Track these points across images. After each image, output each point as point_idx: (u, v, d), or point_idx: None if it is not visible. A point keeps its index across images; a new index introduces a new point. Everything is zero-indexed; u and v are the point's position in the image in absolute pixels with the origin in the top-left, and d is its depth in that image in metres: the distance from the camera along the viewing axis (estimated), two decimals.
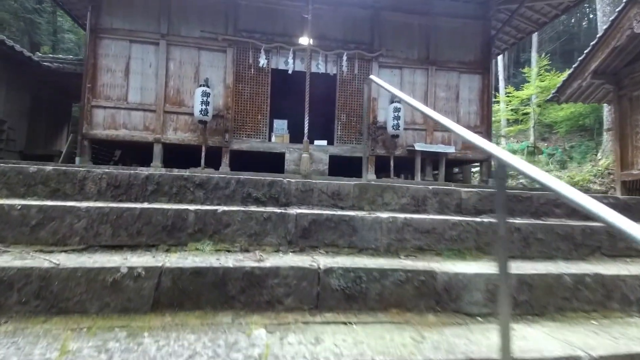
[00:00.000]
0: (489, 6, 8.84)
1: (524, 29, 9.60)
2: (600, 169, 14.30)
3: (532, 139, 21.05)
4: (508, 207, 2.51)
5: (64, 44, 19.65)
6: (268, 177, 2.34)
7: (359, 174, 9.31)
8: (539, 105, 20.27)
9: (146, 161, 8.06)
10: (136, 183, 2.15)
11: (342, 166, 8.96)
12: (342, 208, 2.35)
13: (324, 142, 8.57)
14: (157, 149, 7.72)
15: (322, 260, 1.69)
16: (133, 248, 1.72)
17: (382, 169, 10.60)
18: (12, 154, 8.60)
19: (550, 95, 11.16)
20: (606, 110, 15.23)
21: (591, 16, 32.32)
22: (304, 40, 8.24)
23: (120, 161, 9.90)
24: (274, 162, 9.11)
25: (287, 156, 7.80)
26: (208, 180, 2.24)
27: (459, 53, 8.95)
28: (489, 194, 2.50)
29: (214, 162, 8.10)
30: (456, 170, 10.80)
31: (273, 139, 8.40)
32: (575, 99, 10.81)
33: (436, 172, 8.93)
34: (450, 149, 8.31)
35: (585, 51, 8.55)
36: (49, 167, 2.09)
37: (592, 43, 8.26)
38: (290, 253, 1.81)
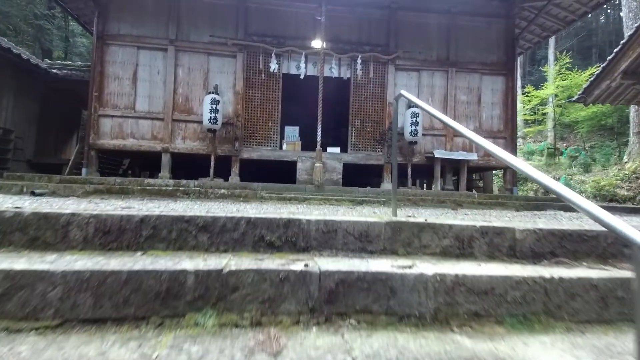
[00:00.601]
0: (513, 3, 8.32)
1: (549, 27, 9.03)
2: (627, 172, 13.54)
3: (549, 139, 20.25)
4: (566, 248, 2.10)
5: (76, 48, 19.74)
6: (283, 215, 1.98)
7: (374, 183, 8.99)
8: (559, 105, 19.46)
9: (155, 169, 7.81)
10: (129, 228, 1.80)
11: (356, 174, 8.57)
12: (371, 253, 1.97)
13: (337, 149, 8.19)
14: (166, 159, 7.46)
15: (356, 340, 1.32)
16: (118, 323, 1.37)
17: (398, 175, 10.19)
18: (19, 164, 8.47)
19: (577, 96, 10.52)
20: (633, 111, 14.45)
21: (609, 11, 31.07)
22: (317, 44, 7.88)
23: (129, 169, 9.71)
24: (285, 171, 8.77)
25: (299, 165, 7.45)
26: (213, 222, 1.88)
27: (480, 53, 8.45)
28: (548, 233, 2.08)
29: (223, 171, 7.81)
30: (475, 175, 10.29)
31: (284, 146, 8.06)
32: (603, 100, 10.16)
33: (455, 177, 8.46)
34: (472, 156, 7.83)
35: (615, 50, 7.99)
36: (27, 211, 1.77)
37: (622, 42, 7.69)
38: (314, 327, 1.44)
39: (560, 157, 19.13)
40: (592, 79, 9.46)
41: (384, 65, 8.18)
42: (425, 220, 2.11)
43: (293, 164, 7.75)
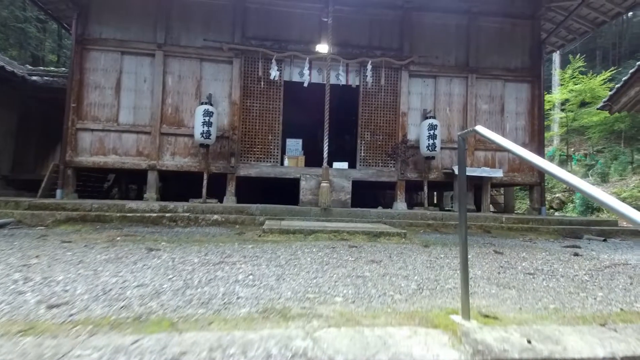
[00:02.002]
0: (539, 3, 7.50)
1: (576, 30, 8.21)
2: None
3: (555, 143, 19.45)
4: None
5: (69, 49, 18.97)
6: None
7: (386, 205, 8.13)
8: (570, 110, 18.71)
9: (145, 183, 6.95)
10: None
11: (365, 189, 7.72)
12: None
13: (345, 165, 7.35)
14: (152, 177, 6.62)
15: None
16: None
17: (412, 191, 9.37)
18: None
19: (602, 104, 9.71)
20: None
21: None
22: (323, 48, 7.06)
23: (116, 185, 8.87)
24: (287, 189, 7.93)
25: (302, 184, 6.60)
26: None
27: (503, 58, 7.63)
28: None
29: (218, 190, 6.98)
30: (494, 190, 9.44)
31: (286, 161, 7.23)
32: (631, 107, 9.33)
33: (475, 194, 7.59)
34: (497, 173, 6.98)
35: None
36: None
37: None
38: None
39: (571, 163, 18.34)
40: (619, 85, 8.67)
41: (397, 72, 7.36)
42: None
43: (296, 181, 6.92)
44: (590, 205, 12.31)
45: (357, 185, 7.04)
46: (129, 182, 8.86)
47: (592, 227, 6.17)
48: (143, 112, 6.73)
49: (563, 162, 18.27)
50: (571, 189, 14.12)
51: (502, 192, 9.38)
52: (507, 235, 5.64)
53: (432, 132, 6.81)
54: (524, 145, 7.57)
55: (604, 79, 16.42)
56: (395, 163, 7.27)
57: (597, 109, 9.90)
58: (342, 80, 7.24)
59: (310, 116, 8.83)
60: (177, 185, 8.75)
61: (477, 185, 7.32)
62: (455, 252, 3.70)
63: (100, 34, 6.80)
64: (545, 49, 9.02)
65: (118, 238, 3.96)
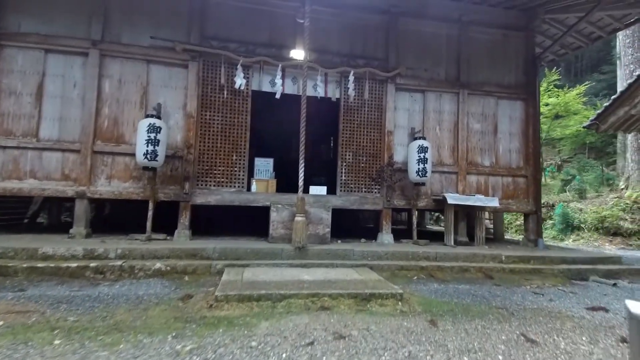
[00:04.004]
0: (534, 13, 6.89)
1: (569, 45, 7.72)
2: (628, 202, 12.63)
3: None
4: None
5: None
6: None
7: (369, 233, 7.15)
8: (543, 124, 18.81)
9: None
10: None
11: (346, 218, 6.72)
12: None
13: (323, 190, 6.33)
14: (81, 208, 5.26)
15: None
16: None
17: (397, 222, 8.50)
18: None
19: (589, 122, 9.31)
20: (631, 136, 13.69)
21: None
22: (298, 54, 6.04)
23: (44, 211, 7.32)
24: (255, 218, 6.82)
25: (273, 215, 5.49)
26: None
27: (496, 73, 6.95)
28: None
29: (168, 220, 5.74)
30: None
31: (253, 186, 6.10)
32: (618, 127, 8.97)
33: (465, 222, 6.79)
34: (493, 202, 6.21)
35: (638, 74, 6.84)
36: None
37: None
38: None
39: (544, 175, 18.38)
40: (607, 104, 8.26)
41: (382, 84, 6.46)
42: None
43: (265, 209, 5.81)
44: (570, 224, 12.07)
45: (337, 213, 6.01)
46: (61, 206, 7.34)
47: (597, 265, 5.53)
48: (71, 124, 5.38)
49: None
50: (551, 206, 13.93)
51: (490, 216, 8.72)
52: (511, 281, 4.84)
53: (422, 155, 5.94)
54: (518, 168, 6.90)
55: (578, 93, 16.54)
56: (381, 188, 6.34)
57: (584, 127, 9.54)
58: (320, 92, 6.24)
59: (283, 132, 7.76)
60: (118, 213, 7.36)
61: (469, 213, 6.54)
62: (476, 332, 2.76)
63: (19, 27, 5.39)
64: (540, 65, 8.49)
65: (0, 322, 2.69)
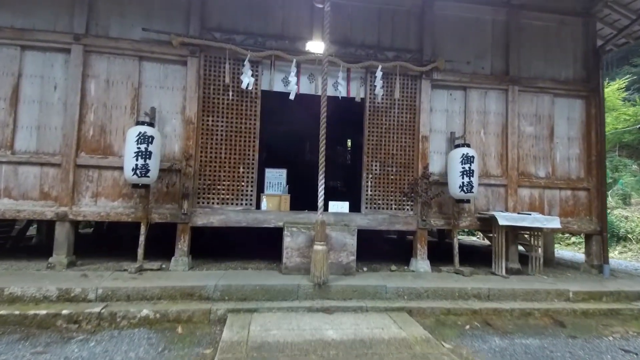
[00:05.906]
0: None
1: (632, 33, 6.48)
2: None
3: None
4: None
5: None
6: None
7: (398, 252, 6.14)
8: None
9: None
10: None
11: (368, 231, 5.70)
12: None
13: (345, 207, 5.35)
14: (62, 233, 4.44)
15: None
16: None
17: (435, 250, 7.52)
18: None
19: None
20: None
21: None
22: (316, 46, 5.08)
23: (28, 229, 6.58)
24: (266, 235, 5.92)
25: (287, 241, 4.56)
26: None
27: (552, 66, 5.83)
28: None
29: (164, 246, 4.90)
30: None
31: (264, 203, 5.19)
32: None
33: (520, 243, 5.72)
34: (553, 223, 5.09)
35: None
36: None
37: None
38: None
39: None
40: None
41: (416, 81, 5.45)
42: None
43: (278, 230, 4.90)
44: (616, 234, 10.78)
45: (363, 234, 5.02)
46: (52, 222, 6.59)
47: None
48: (51, 134, 4.57)
49: None
50: None
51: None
52: (588, 329, 3.80)
53: (467, 166, 4.91)
54: (578, 180, 5.77)
55: (619, 88, 15.00)
56: (414, 205, 5.33)
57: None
58: (342, 92, 5.26)
59: (295, 135, 6.81)
60: (104, 240, 6.56)
61: (519, 234, 5.46)
62: None
63: None
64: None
65: None
